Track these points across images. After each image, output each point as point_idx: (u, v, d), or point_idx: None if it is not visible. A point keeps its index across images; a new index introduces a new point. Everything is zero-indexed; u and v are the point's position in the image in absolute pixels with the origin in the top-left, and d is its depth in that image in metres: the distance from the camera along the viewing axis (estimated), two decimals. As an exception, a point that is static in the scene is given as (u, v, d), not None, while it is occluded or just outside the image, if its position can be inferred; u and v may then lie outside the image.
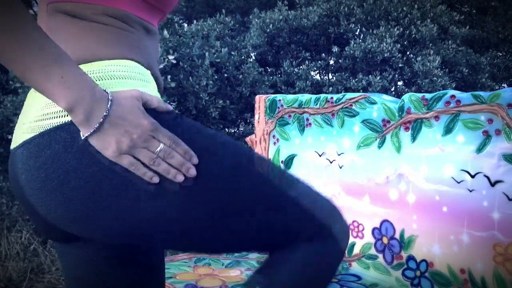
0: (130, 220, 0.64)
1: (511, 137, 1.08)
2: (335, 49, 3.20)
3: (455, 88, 3.28)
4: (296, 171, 1.56)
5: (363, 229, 1.39)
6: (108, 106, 0.60)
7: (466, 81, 3.60)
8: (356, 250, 1.41)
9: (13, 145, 0.69)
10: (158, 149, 0.62)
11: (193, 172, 0.64)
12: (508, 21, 4.99)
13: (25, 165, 0.64)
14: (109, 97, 0.61)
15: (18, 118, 2.49)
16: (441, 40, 3.61)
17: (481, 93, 1.15)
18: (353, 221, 1.41)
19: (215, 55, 2.96)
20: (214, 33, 3.18)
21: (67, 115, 0.62)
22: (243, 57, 3.18)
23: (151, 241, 0.70)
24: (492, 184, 1.11)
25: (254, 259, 1.51)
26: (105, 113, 0.59)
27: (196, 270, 1.38)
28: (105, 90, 0.62)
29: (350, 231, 1.42)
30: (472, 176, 1.14)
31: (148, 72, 0.73)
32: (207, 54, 2.89)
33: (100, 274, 0.76)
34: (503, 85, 4.55)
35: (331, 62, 3.41)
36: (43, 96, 0.62)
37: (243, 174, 0.69)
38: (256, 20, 3.39)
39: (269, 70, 3.52)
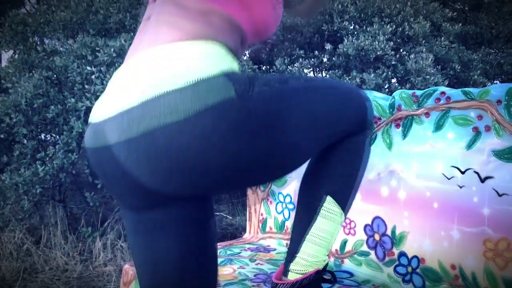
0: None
1: (500, 133, 1.09)
2: (328, 46, 3.20)
3: (448, 85, 3.29)
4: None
5: (355, 226, 1.40)
6: None
7: (459, 78, 3.61)
8: (348, 247, 1.41)
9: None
10: None
11: None
12: (501, 18, 5.01)
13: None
14: None
15: (9, 118, 2.40)
16: (433, 37, 3.62)
17: (471, 89, 1.16)
18: (345, 218, 1.42)
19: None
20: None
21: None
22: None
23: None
24: (482, 180, 1.11)
25: (246, 257, 1.51)
26: None
27: (188, 268, 1.38)
28: None
29: (342, 228, 1.42)
30: (462, 172, 1.15)
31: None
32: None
33: (180, 235, 0.81)
34: (495, 82, 4.56)
35: (325, 59, 3.41)
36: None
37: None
38: None
39: (262, 68, 3.51)
